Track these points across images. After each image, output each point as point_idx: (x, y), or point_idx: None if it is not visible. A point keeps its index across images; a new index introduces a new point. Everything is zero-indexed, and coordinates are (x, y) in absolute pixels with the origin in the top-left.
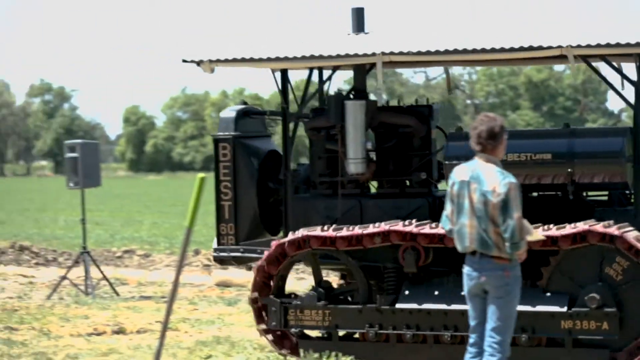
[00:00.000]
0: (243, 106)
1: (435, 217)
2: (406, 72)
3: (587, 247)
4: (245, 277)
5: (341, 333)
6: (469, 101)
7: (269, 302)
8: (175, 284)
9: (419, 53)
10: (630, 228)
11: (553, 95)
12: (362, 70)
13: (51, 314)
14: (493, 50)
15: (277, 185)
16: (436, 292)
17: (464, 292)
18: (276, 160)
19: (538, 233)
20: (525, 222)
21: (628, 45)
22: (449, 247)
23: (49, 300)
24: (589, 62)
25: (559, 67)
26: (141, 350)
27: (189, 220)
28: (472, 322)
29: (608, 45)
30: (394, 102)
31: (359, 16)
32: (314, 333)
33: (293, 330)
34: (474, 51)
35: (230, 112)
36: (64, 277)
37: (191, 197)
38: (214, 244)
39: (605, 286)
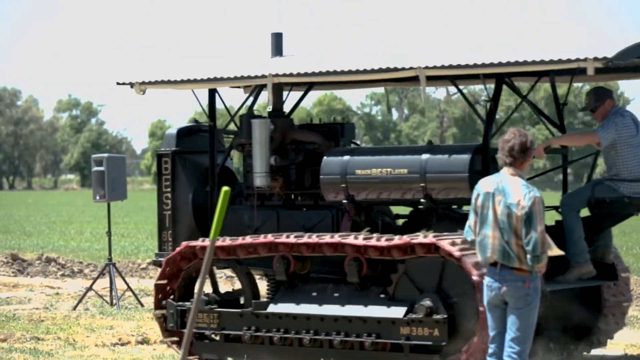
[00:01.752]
0: (191, 124)
1: (338, 227)
2: (428, 88)
3: (426, 257)
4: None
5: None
6: None
7: (168, 306)
8: (199, 294)
9: (298, 75)
10: (455, 239)
11: (572, 111)
12: (279, 90)
13: (77, 324)
14: (350, 72)
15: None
16: (304, 299)
17: (484, 303)
18: (222, 174)
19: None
20: (547, 236)
21: (475, 66)
22: (325, 255)
23: (75, 311)
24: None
25: (577, 83)
26: None
27: (213, 232)
28: (491, 333)
29: (458, 67)
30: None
31: (277, 41)
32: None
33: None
34: (335, 73)
35: (172, 130)
36: (89, 288)
37: (216, 209)
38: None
39: (438, 294)
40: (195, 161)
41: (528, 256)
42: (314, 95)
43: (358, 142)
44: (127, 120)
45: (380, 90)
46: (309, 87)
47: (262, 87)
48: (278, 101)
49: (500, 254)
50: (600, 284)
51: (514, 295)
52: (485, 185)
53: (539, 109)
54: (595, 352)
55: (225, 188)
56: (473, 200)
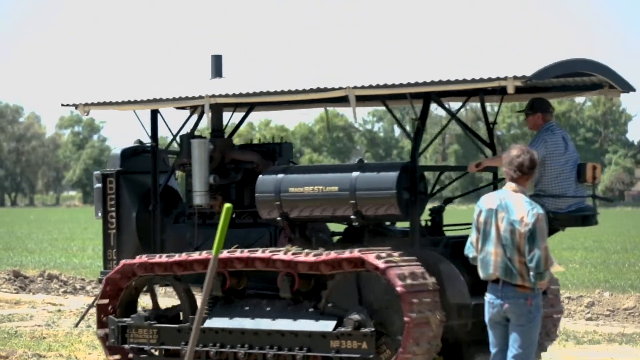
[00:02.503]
0: (135, 145)
1: (275, 243)
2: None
3: (353, 272)
4: None
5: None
6: None
7: (109, 322)
8: (202, 310)
9: (234, 95)
10: (380, 252)
11: (574, 127)
12: (218, 111)
13: (79, 341)
14: (282, 92)
15: (162, 215)
16: (239, 314)
17: (487, 320)
18: (166, 193)
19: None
20: (550, 253)
21: (401, 85)
22: (260, 271)
23: (77, 328)
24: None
25: (579, 99)
26: None
27: (215, 249)
28: (492, 350)
29: (385, 86)
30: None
31: (217, 63)
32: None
33: (127, 346)
34: (268, 93)
35: (117, 151)
36: (91, 305)
37: (219, 226)
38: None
39: (365, 308)
40: (139, 181)
41: (531, 273)
42: (316, 112)
43: (295, 162)
44: (128, 137)
45: (382, 107)
46: (250, 108)
47: (203, 107)
48: (218, 122)
49: (502, 271)
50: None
51: (516, 312)
52: (487, 201)
53: (469, 127)
54: None
55: (227, 205)
56: (475, 217)
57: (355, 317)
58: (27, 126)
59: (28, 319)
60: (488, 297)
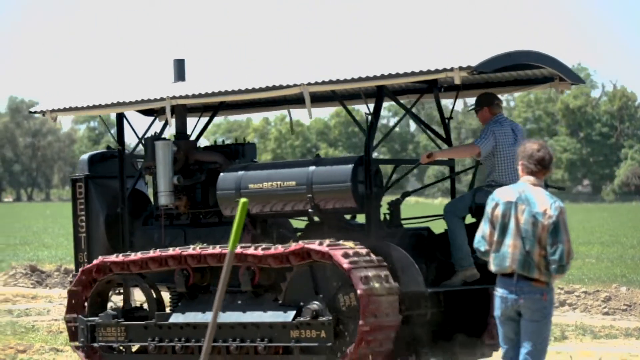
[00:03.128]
0: (103, 150)
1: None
2: (445, 101)
3: (311, 263)
4: None
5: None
6: None
7: (78, 321)
8: (218, 305)
9: (193, 96)
10: (323, 240)
11: (590, 122)
12: (182, 114)
13: None
14: (240, 91)
15: (132, 217)
16: (203, 308)
17: (496, 315)
18: (135, 196)
19: None
20: (572, 246)
21: (352, 80)
22: (218, 267)
23: None
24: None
25: (595, 94)
26: None
27: (231, 244)
28: (504, 346)
29: (337, 82)
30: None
31: (179, 66)
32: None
33: (96, 345)
34: (225, 93)
35: (85, 156)
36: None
37: (235, 221)
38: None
39: (324, 298)
40: (107, 185)
41: (553, 266)
42: (332, 107)
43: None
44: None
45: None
46: (214, 112)
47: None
48: (182, 125)
49: (519, 264)
50: (487, 288)
51: (531, 307)
52: (505, 194)
53: (423, 121)
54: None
55: (243, 199)
56: (489, 210)
57: (313, 306)
58: (42, 121)
59: (45, 314)
60: (500, 291)
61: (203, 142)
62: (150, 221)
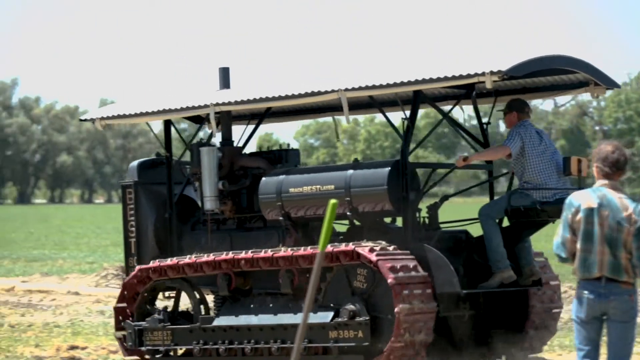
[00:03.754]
0: (153, 157)
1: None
2: (535, 100)
3: (349, 264)
4: None
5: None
6: (597, 127)
7: (126, 326)
8: (309, 305)
9: (236, 103)
10: (374, 246)
11: None
12: (227, 121)
13: None
14: (280, 97)
15: (180, 223)
16: (245, 311)
17: (581, 317)
18: (183, 202)
19: None
20: None
21: (388, 85)
22: (262, 270)
23: None
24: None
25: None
26: None
27: (321, 244)
28: (586, 347)
29: (374, 87)
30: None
31: (224, 74)
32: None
33: (143, 348)
34: (268, 99)
35: (135, 163)
36: None
37: (324, 222)
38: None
39: (361, 299)
40: (156, 191)
41: (638, 269)
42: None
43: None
44: (237, 134)
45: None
46: (260, 120)
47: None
48: (227, 131)
49: (609, 269)
50: (523, 290)
51: (620, 308)
52: (584, 200)
53: (461, 125)
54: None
55: (332, 200)
56: (569, 216)
57: (351, 307)
58: (133, 123)
59: None
60: (585, 293)
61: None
62: (198, 226)
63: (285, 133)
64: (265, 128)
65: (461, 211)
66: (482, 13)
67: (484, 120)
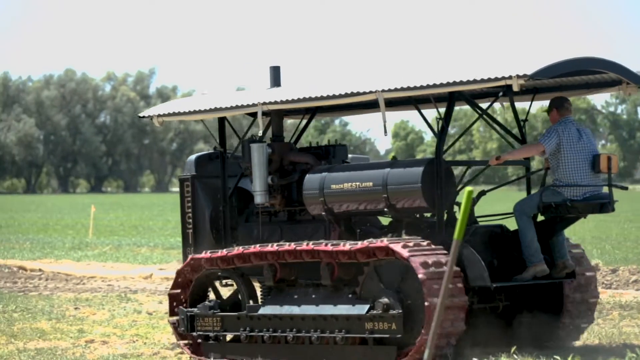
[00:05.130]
0: (209, 151)
1: (328, 237)
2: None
3: (385, 259)
4: None
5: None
6: None
7: (179, 312)
8: (444, 293)
9: (287, 101)
10: (407, 242)
11: None
12: (278, 118)
13: None
14: (322, 97)
15: (236, 214)
16: (288, 301)
17: None
18: (239, 194)
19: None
20: None
21: (422, 87)
22: (305, 262)
23: None
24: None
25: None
26: None
27: (457, 232)
28: None
29: (409, 89)
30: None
31: (275, 73)
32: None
33: (195, 334)
34: (310, 99)
35: (192, 157)
36: None
37: (460, 211)
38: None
39: (395, 292)
40: (213, 184)
41: None
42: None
43: (349, 162)
44: (370, 121)
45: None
46: (312, 115)
47: (266, 114)
48: (278, 127)
49: None
50: (557, 282)
51: None
52: None
53: (500, 122)
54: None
55: (468, 188)
56: None
57: (385, 300)
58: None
59: None
60: None
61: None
62: (252, 218)
63: (420, 120)
64: (401, 115)
65: (506, 201)
66: (517, 17)
67: (522, 117)
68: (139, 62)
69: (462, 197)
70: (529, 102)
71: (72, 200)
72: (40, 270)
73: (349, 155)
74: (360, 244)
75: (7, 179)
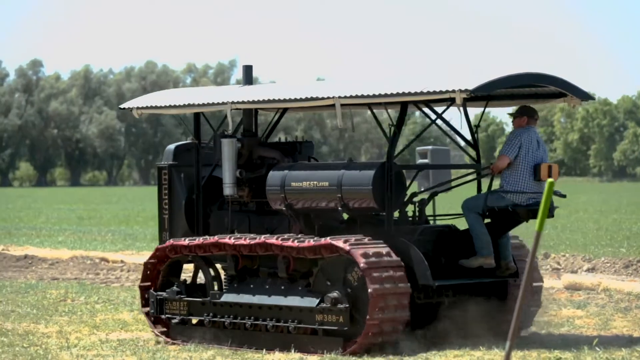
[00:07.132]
0: (187, 142)
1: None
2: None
3: (331, 256)
4: (595, 280)
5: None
6: None
7: (150, 295)
8: (526, 288)
9: (253, 102)
10: (349, 238)
11: None
12: (249, 113)
13: None
14: (286, 100)
15: (209, 202)
16: (248, 290)
17: None
18: (213, 183)
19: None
20: None
21: (379, 95)
22: (264, 254)
23: None
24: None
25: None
26: None
27: (538, 224)
28: None
29: (362, 97)
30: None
31: (247, 72)
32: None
33: (163, 316)
34: (275, 101)
35: (171, 146)
36: None
37: (542, 201)
38: None
39: (343, 286)
40: (188, 173)
41: None
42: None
43: (316, 158)
44: (452, 112)
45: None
46: (283, 112)
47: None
48: (249, 123)
49: None
50: (502, 281)
51: None
52: None
53: (454, 127)
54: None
55: (550, 179)
56: None
57: (334, 294)
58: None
59: None
60: None
61: None
62: (224, 206)
63: (499, 110)
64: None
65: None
66: (472, 32)
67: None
68: (219, 53)
69: (545, 189)
70: (482, 109)
71: (153, 192)
72: (122, 261)
73: (430, 147)
74: (306, 242)
75: (88, 171)
